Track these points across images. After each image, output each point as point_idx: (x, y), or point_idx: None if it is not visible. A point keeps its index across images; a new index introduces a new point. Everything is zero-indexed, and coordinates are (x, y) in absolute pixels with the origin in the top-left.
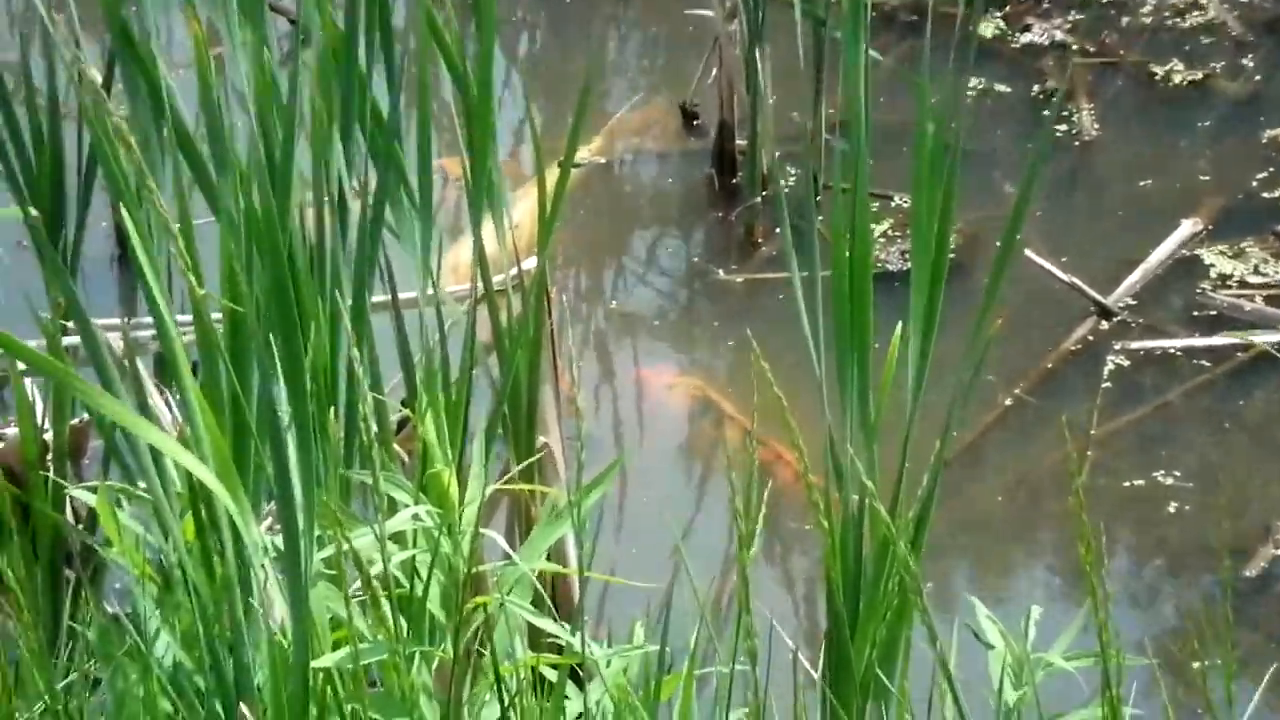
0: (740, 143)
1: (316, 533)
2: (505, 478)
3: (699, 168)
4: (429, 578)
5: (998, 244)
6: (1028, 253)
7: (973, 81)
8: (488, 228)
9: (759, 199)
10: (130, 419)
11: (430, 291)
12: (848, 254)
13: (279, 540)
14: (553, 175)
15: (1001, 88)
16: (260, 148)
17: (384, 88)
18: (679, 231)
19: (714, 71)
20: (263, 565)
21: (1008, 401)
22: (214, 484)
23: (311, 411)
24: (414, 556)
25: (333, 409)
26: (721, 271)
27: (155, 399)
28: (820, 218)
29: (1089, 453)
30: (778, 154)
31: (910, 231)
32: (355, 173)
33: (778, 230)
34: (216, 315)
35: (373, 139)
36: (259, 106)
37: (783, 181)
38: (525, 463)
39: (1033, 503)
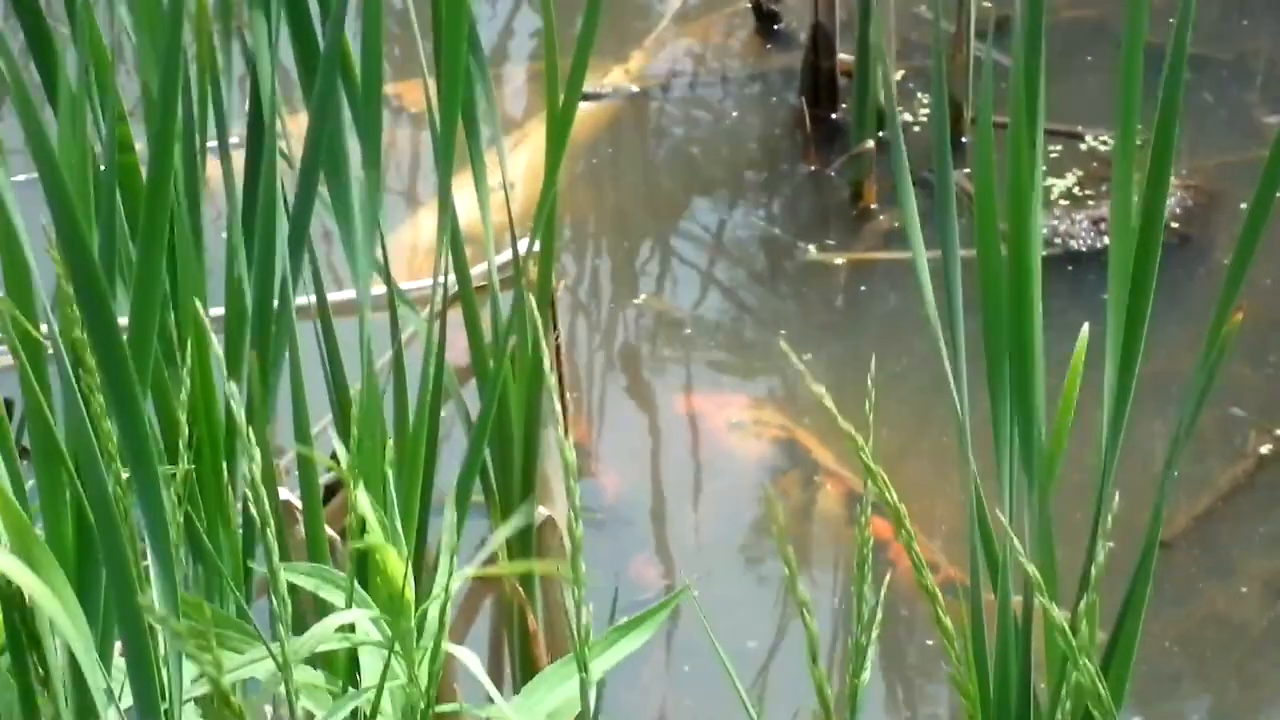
0: (845, 57)
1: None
2: (485, 555)
3: (781, 96)
4: (372, 717)
5: (1244, 205)
6: None
7: None
8: (466, 190)
9: (871, 142)
10: None
11: (377, 290)
12: (1006, 224)
13: None
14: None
15: None
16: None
17: None
18: (750, 192)
19: None
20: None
21: (1265, 449)
22: (39, 592)
23: (175, 475)
24: (345, 687)
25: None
26: (814, 249)
27: None
28: (966, 170)
29: None
30: (901, 74)
31: (1112, 189)
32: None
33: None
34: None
35: (300, 41)
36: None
37: (908, 115)
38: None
39: None
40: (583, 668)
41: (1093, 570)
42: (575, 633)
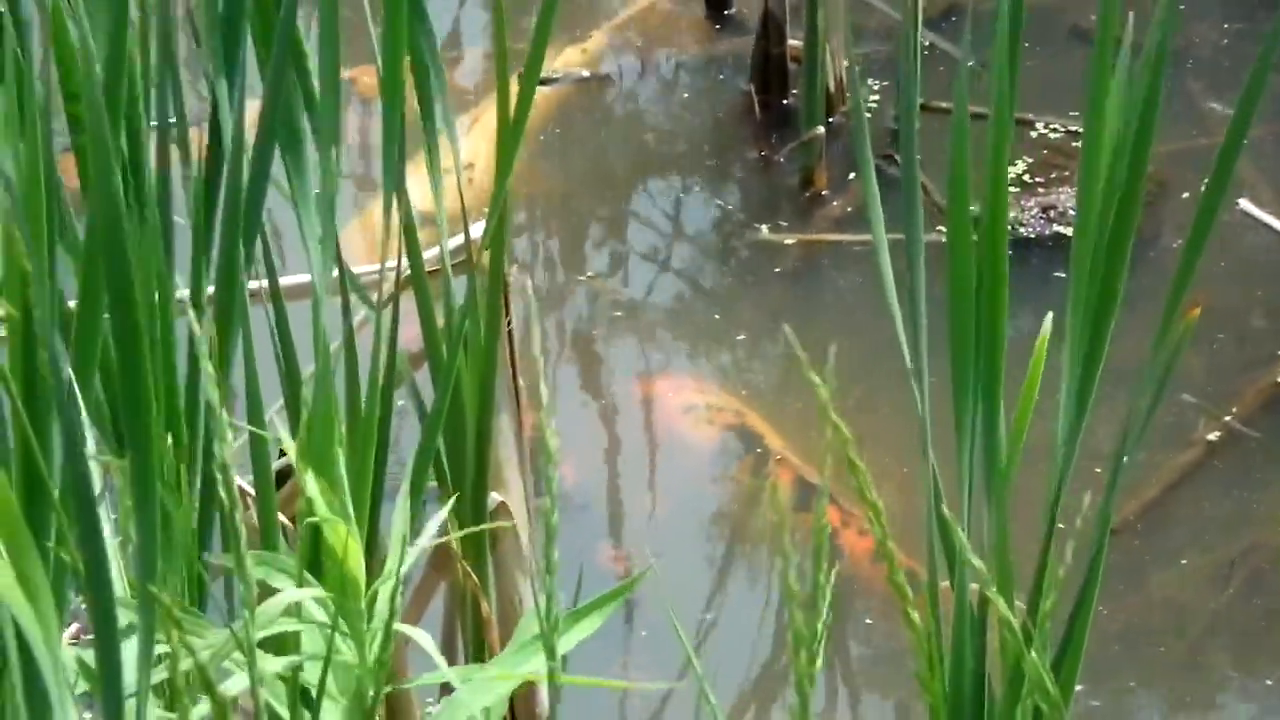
0: (794, 43)
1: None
2: (451, 556)
3: (731, 81)
4: (319, 698)
5: (1187, 194)
6: (1244, 205)
7: None
8: (420, 174)
9: (822, 129)
10: None
11: (327, 274)
12: (978, 212)
13: (91, 654)
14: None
15: None
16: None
17: None
18: (701, 178)
19: None
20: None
21: (1213, 435)
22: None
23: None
24: (298, 668)
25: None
26: (766, 229)
27: None
28: (918, 157)
29: None
30: (848, 62)
31: (1080, 177)
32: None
33: (852, 177)
34: None
35: (259, 17)
36: None
37: (859, 101)
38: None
39: (1255, 590)
40: (551, 655)
41: (1047, 573)
42: (544, 621)
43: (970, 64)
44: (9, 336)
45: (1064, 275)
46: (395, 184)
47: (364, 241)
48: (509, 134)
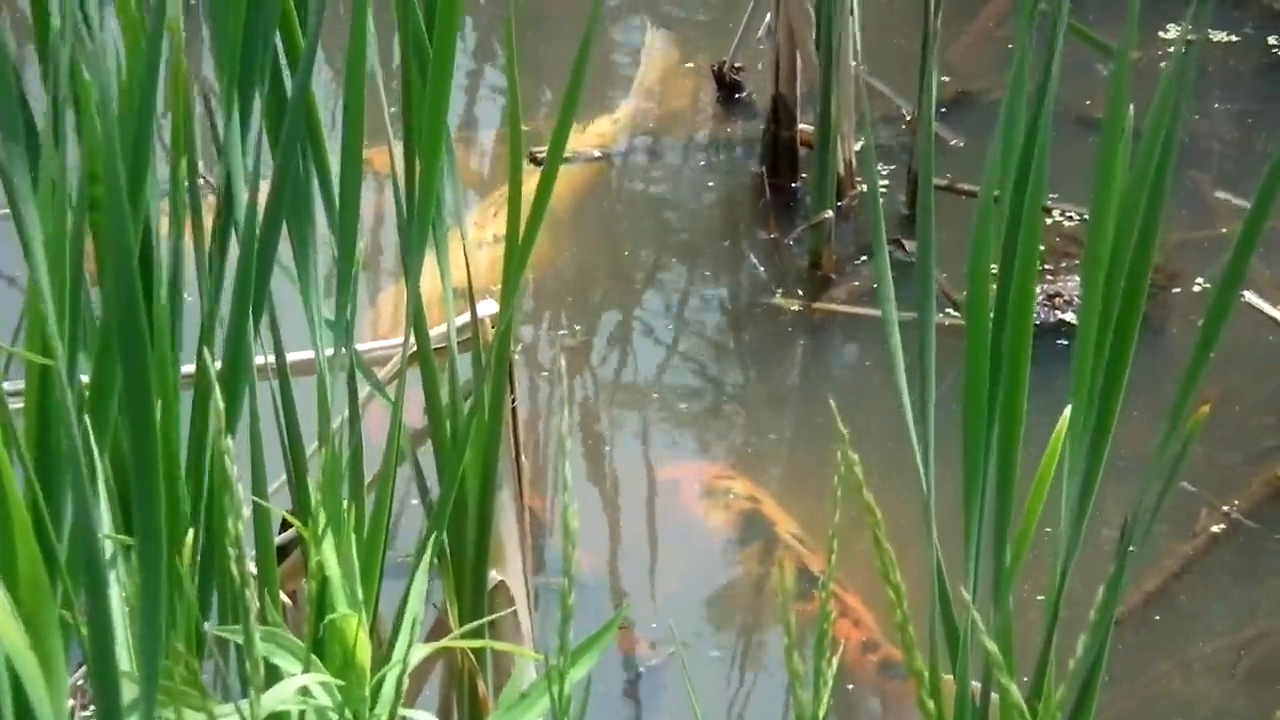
0: (805, 127)
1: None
2: (448, 636)
3: (742, 164)
4: None
5: (1194, 286)
6: (1251, 298)
7: (1171, 31)
8: (431, 254)
9: (830, 212)
10: None
11: (333, 351)
12: (990, 298)
13: None
14: (526, 179)
15: (1223, 36)
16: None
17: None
18: (710, 260)
19: (766, 19)
20: None
21: (1218, 527)
22: (16, 642)
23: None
24: None
25: (186, 529)
26: (781, 294)
27: None
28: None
29: None
30: (858, 145)
31: (1083, 270)
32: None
33: (859, 260)
34: (12, 385)
35: (270, 100)
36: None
37: (865, 187)
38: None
39: (1259, 680)
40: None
41: (1050, 661)
42: (556, 658)
43: (958, 144)
44: (25, 410)
45: (1066, 363)
46: (416, 266)
47: (372, 318)
48: (528, 217)
